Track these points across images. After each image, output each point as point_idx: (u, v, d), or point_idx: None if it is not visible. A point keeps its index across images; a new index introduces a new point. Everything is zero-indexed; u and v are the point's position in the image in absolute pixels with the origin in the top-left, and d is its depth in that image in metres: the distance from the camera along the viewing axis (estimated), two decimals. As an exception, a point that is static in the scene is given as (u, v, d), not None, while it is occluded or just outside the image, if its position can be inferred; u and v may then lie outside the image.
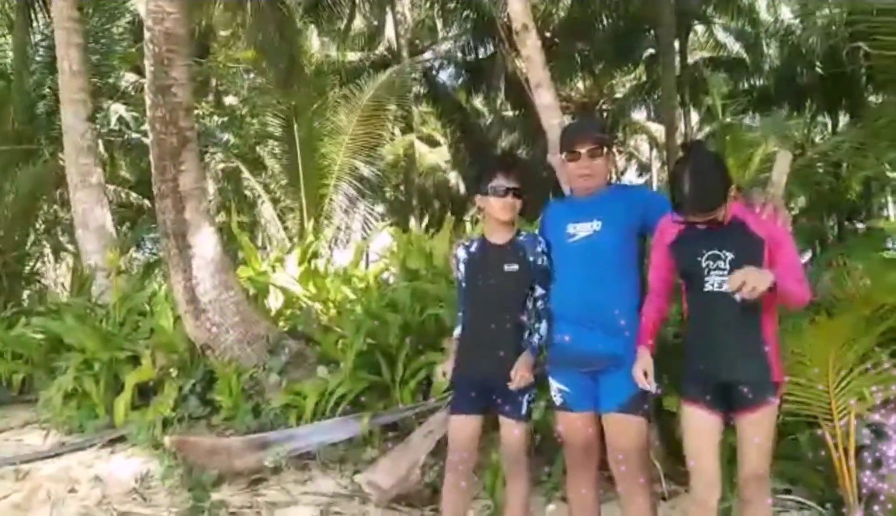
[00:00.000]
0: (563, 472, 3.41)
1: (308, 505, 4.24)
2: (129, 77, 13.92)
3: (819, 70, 14.52)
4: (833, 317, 3.22)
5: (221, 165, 15.27)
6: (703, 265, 2.54)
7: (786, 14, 17.01)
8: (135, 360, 5.79)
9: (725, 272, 2.49)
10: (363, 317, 5.21)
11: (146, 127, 6.09)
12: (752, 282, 2.30)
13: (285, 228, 11.31)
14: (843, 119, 15.55)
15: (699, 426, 2.57)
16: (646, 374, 2.64)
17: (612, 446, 2.81)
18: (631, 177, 26.04)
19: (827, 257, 4.44)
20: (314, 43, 17.60)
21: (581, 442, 2.90)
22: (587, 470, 2.94)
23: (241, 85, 12.35)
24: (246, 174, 12.27)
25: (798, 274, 2.51)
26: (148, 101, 5.51)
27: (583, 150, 2.87)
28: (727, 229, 2.54)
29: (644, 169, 25.92)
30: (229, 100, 15.81)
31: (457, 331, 3.20)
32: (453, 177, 21.78)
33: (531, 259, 2.99)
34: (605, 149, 2.94)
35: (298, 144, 10.64)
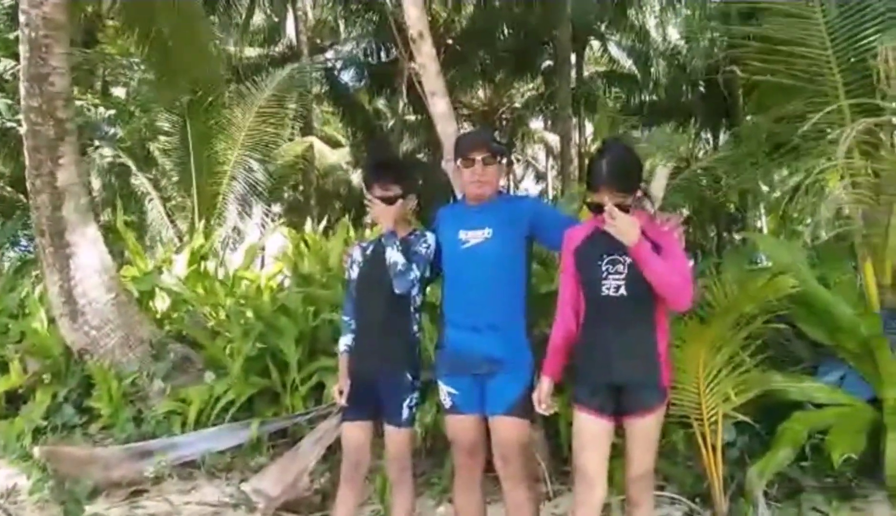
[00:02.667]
0: (452, 475, 3.46)
1: (191, 516, 4.10)
2: (7, 63, 12.96)
3: (702, 89, 15.41)
4: (704, 323, 3.42)
5: (108, 160, 14.46)
6: (603, 269, 2.61)
7: (673, 35, 17.97)
8: (3, 366, 5.42)
9: (622, 276, 2.57)
10: (253, 320, 5.09)
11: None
12: (618, 222, 2.42)
13: (175, 228, 10.84)
14: (725, 136, 16.57)
15: (588, 430, 2.62)
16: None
17: (497, 447, 2.88)
18: (528, 185, 26.76)
19: (701, 266, 4.74)
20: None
21: (468, 445, 2.95)
22: (473, 472, 2.99)
23: (131, 76, 11.72)
24: (134, 170, 11.67)
25: (685, 274, 2.59)
26: (22, 90, 5.17)
27: (477, 158, 2.94)
28: None
29: (541, 177, 26.68)
30: (117, 91, 15.03)
31: (344, 340, 3.16)
32: (356, 179, 21.61)
33: (413, 249, 2.98)
34: (499, 159, 3.01)
35: (191, 141, 10.25)
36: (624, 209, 2.50)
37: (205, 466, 4.54)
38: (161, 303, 6.29)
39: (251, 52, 18.68)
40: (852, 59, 4.30)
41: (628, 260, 2.57)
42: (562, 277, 2.81)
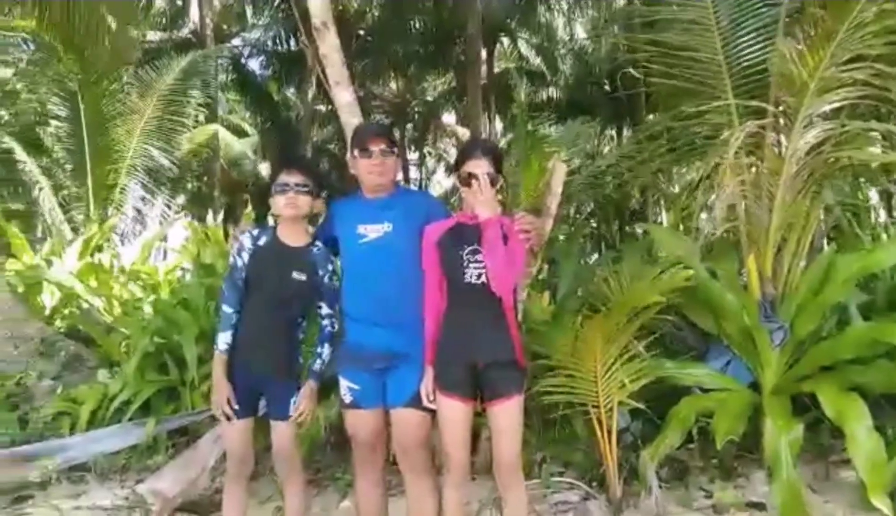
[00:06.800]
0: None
1: (80, 521, 3.91)
2: None
3: (607, 87, 15.90)
4: (602, 314, 3.55)
5: (-8, 144, 13.52)
6: (465, 258, 2.76)
7: (580, 33, 18.44)
8: None
9: (482, 265, 2.73)
10: (151, 315, 4.90)
11: None
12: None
13: (69, 219, 10.25)
14: (628, 133, 17.17)
15: (451, 415, 2.75)
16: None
17: (398, 440, 2.90)
18: (440, 178, 26.85)
19: (599, 260, 4.91)
20: (109, 19, 16.16)
21: (369, 439, 2.95)
22: (374, 466, 3.00)
23: (18, 56, 10.97)
24: (22, 156, 10.95)
25: (513, 268, 2.78)
26: None
27: (375, 149, 2.94)
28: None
29: (452, 171, 26.82)
30: (3, 72, 14.06)
31: (224, 338, 2.92)
32: (264, 169, 21.08)
33: (320, 274, 3.00)
34: (396, 151, 3.02)
35: (85, 127, 9.73)
36: (493, 180, 2.75)
37: (96, 469, 4.33)
38: (50, 298, 5.96)
39: (153, 36, 17.87)
40: (742, 65, 4.55)
41: None
42: (425, 268, 2.89)
